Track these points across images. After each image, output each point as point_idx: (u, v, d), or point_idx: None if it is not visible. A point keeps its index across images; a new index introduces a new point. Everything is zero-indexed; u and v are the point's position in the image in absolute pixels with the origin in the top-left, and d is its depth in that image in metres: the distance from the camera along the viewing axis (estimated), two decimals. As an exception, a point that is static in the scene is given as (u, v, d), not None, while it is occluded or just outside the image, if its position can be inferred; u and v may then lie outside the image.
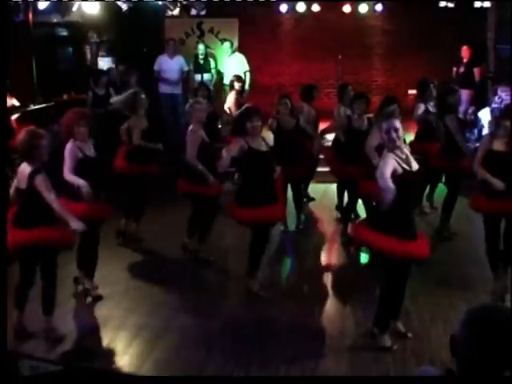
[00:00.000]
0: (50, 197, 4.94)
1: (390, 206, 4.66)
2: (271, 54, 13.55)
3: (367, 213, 6.89)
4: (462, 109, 8.76)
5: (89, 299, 5.98)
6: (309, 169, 8.11)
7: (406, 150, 4.89)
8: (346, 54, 12.76)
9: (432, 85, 7.89)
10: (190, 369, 4.76)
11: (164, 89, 11.77)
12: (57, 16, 11.44)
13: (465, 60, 11.67)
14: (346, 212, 7.70)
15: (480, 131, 10.14)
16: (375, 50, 13.70)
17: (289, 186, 7.71)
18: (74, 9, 11.11)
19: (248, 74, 11.91)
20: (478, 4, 12.30)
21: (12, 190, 5.15)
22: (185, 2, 12.37)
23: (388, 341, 4.98)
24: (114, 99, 8.92)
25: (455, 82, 10.60)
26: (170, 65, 11.76)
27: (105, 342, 5.24)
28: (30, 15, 10.17)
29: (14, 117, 9.08)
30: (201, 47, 12.22)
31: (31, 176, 4.93)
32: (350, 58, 12.80)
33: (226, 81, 11.42)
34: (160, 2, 12.20)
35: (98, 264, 6.14)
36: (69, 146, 5.81)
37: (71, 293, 6.07)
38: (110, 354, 5.06)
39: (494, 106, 10.35)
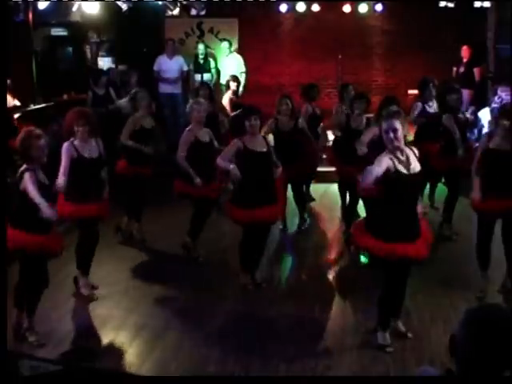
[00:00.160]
0: (33, 191, 4.83)
1: (378, 205, 4.66)
2: (271, 54, 13.54)
3: (366, 213, 6.89)
4: (462, 109, 8.74)
5: (84, 291, 6.00)
6: (309, 169, 8.11)
7: (409, 152, 4.82)
8: (346, 54, 12.75)
9: (432, 84, 7.90)
10: (190, 369, 4.76)
11: (164, 89, 11.79)
12: (57, 16, 11.44)
13: (465, 60, 11.68)
14: (347, 211, 7.70)
15: (480, 131, 10.15)
16: (375, 50, 13.68)
17: (289, 186, 7.73)
18: (74, 9, 11.11)
19: (243, 75, 11.90)
20: (477, 4, 12.29)
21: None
22: (185, 2, 12.37)
23: (388, 340, 4.99)
24: (122, 104, 9.01)
25: (455, 81, 10.61)
26: (170, 65, 11.78)
27: (105, 342, 5.24)
28: (30, 15, 10.17)
29: (15, 116, 9.09)
30: (201, 47, 12.23)
31: (21, 175, 4.92)
32: (350, 57, 12.79)
33: (223, 80, 11.43)
34: (160, 2, 12.20)
35: (98, 264, 6.14)
36: (65, 145, 5.82)
37: (71, 293, 6.07)
38: (110, 353, 5.06)
39: (493, 105, 10.35)
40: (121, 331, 5.39)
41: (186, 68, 11.93)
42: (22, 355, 4.70)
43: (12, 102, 9.32)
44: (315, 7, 12.75)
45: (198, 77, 11.98)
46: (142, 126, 7.29)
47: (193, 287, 6.30)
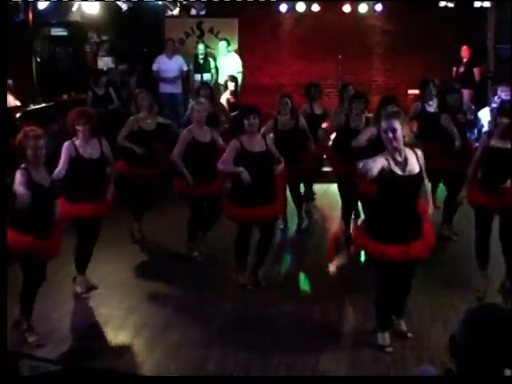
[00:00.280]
0: (18, 188, 4.74)
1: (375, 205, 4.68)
2: (271, 54, 13.53)
3: (364, 214, 6.89)
4: (462, 109, 8.73)
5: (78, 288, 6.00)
6: (309, 169, 8.10)
7: (410, 153, 4.77)
8: (346, 54, 12.75)
9: (432, 84, 7.90)
10: (190, 369, 4.76)
11: (164, 88, 11.80)
12: (57, 16, 11.45)
13: (465, 60, 11.68)
14: (347, 211, 7.70)
15: (480, 131, 10.14)
16: (375, 50, 13.67)
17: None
18: (74, 9, 11.13)
19: (240, 76, 11.89)
20: (477, 4, 12.30)
21: None
22: (185, 2, 12.38)
23: (388, 340, 4.99)
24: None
25: (455, 81, 10.61)
26: (169, 65, 11.79)
27: (105, 342, 5.24)
28: (30, 15, 10.17)
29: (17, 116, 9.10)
30: (201, 47, 12.24)
31: (14, 174, 4.89)
32: (350, 57, 12.79)
33: (221, 80, 11.43)
34: (160, 2, 12.21)
35: (99, 264, 6.14)
36: (65, 144, 5.83)
37: (71, 293, 6.07)
38: (110, 353, 5.06)
39: (493, 105, 10.34)
40: (121, 331, 5.39)
41: (185, 68, 11.94)
42: (22, 355, 4.69)
43: (13, 102, 9.32)
44: (315, 7, 12.76)
45: (197, 77, 11.99)
46: (140, 128, 7.28)
47: (193, 287, 6.29)
